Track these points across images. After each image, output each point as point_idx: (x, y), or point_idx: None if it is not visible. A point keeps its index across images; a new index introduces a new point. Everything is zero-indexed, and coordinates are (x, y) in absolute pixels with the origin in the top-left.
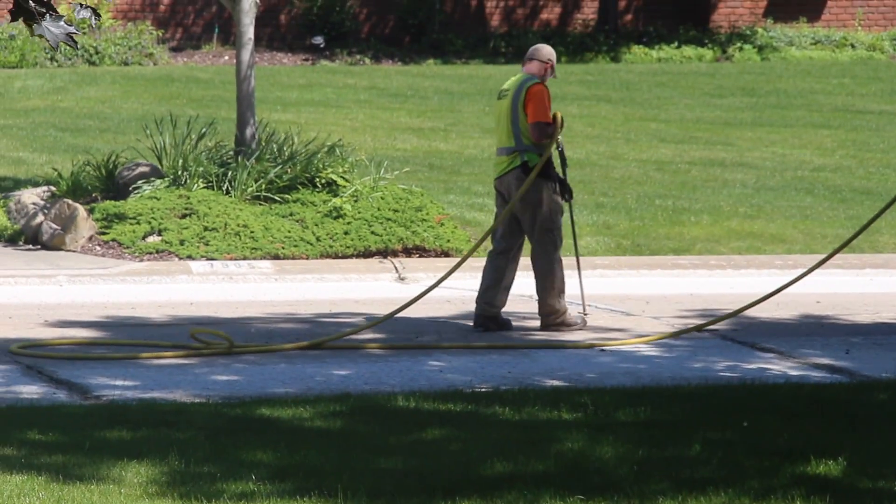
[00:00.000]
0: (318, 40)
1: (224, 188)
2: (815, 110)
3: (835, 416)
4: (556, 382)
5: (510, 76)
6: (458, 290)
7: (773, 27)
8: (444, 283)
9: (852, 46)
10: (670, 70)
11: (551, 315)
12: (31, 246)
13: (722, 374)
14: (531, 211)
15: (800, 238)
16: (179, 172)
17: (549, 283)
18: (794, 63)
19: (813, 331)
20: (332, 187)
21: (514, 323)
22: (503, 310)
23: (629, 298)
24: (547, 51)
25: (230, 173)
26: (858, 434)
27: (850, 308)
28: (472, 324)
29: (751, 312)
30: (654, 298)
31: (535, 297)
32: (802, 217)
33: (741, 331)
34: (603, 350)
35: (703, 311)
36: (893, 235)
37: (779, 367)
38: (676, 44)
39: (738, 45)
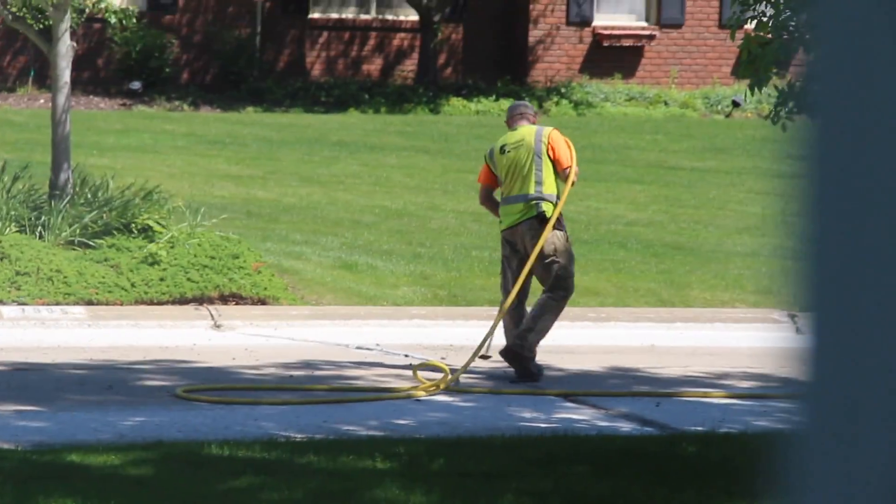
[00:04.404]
0: (136, 85)
1: (37, 232)
2: (629, 165)
3: (645, 468)
4: (371, 432)
5: (329, 124)
6: (275, 339)
7: (590, 83)
8: (257, 332)
9: (666, 104)
10: (488, 123)
11: (529, 358)
12: None
13: (535, 424)
14: (547, 256)
15: (613, 291)
16: None
17: (542, 328)
18: (610, 118)
19: (624, 383)
20: (147, 233)
21: (329, 372)
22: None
23: (445, 348)
24: (532, 108)
25: (44, 217)
26: (668, 487)
27: (661, 361)
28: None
29: (561, 364)
30: (469, 349)
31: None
32: (615, 270)
33: (553, 382)
34: (418, 400)
35: None
36: (703, 290)
37: (590, 418)
38: (495, 97)
39: (556, 99)
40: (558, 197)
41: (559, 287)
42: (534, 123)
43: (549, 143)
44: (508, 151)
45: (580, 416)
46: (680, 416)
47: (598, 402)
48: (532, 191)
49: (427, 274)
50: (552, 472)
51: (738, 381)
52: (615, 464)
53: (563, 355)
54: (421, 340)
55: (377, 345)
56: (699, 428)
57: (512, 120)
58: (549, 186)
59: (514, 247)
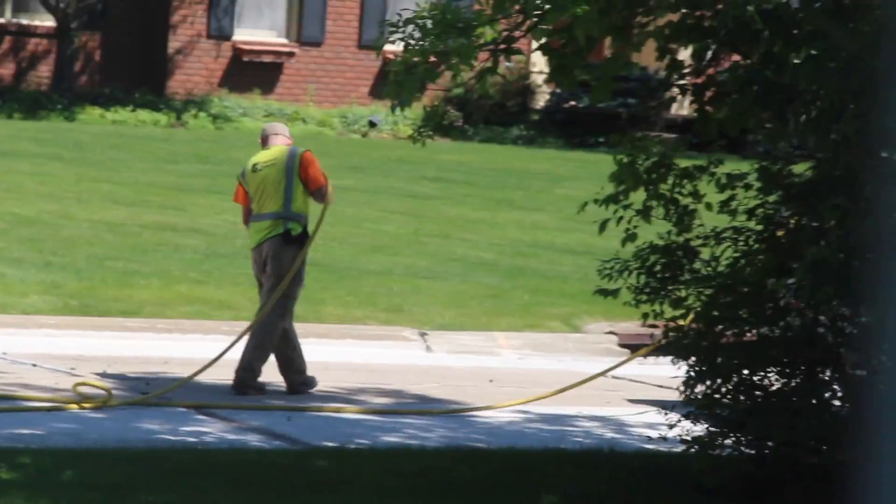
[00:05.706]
0: None
1: None
2: None
3: (276, 482)
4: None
5: None
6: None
7: (229, 97)
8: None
9: (304, 121)
10: (125, 133)
11: (248, 375)
12: None
13: (165, 437)
14: (278, 276)
15: (247, 305)
16: None
17: (263, 345)
18: (248, 133)
19: (256, 396)
20: None
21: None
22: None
23: (75, 358)
24: (287, 130)
25: None
26: (299, 499)
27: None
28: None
29: (197, 377)
30: (100, 360)
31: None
32: (250, 285)
33: (185, 394)
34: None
35: (153, 373)
36: (336, 306)
37: (220, 430)
38: (132, 107)
39: (194, 112)
40: (306, 216)
41: (279, 305)
42: (289, 145)
43: (301, 162)
44: (260, 170)
45: (211, 429)
46: (311, 430)
47: (228, 414)
48: (280, 209)
49: (58, 283)
50: (183, 485)
51: (370, 397)
52: (246, 477)
53: (195, 368)
54: (51, 350)
55: (4, 353)
56: (329, 443)
57: (266, 140)
58: (298, 205)
59: (260, 264)
